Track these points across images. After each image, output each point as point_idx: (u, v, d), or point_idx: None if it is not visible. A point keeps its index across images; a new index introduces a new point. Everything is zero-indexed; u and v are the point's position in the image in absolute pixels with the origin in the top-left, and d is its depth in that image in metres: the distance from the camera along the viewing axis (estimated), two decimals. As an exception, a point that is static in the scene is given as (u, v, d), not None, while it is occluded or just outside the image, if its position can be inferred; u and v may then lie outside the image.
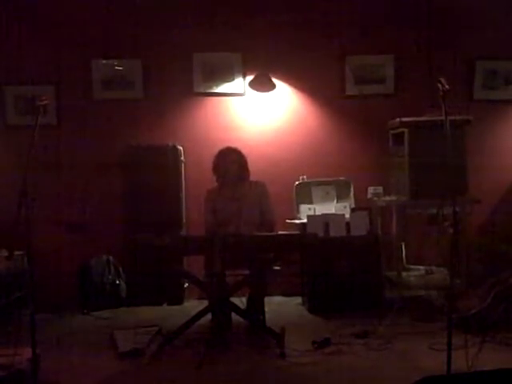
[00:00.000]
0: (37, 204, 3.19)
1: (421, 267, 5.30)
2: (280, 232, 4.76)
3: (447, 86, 3.21)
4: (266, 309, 4.57)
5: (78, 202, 5.72)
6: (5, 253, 4.85)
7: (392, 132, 5.32)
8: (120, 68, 5.82)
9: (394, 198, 5.21)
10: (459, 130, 4.85)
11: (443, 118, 3.18)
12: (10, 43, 5.74)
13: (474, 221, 5.33)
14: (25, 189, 3.19)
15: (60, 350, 4.07)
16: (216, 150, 4.82)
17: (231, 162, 4.69)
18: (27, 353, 3.27)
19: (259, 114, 5.92)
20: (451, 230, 3.23)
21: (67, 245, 5.62)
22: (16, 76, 5.78)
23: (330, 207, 5.61)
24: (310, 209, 5.60)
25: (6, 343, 3.49)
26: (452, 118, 3.24)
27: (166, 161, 5.63)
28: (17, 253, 3.69)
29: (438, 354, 3.61)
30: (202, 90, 5.89)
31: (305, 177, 5.69)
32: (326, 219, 5.17)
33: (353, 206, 5.58)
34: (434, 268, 5.17)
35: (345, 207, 5.60)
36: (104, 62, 5.82)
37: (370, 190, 5.44)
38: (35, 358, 3.21)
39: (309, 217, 5.26)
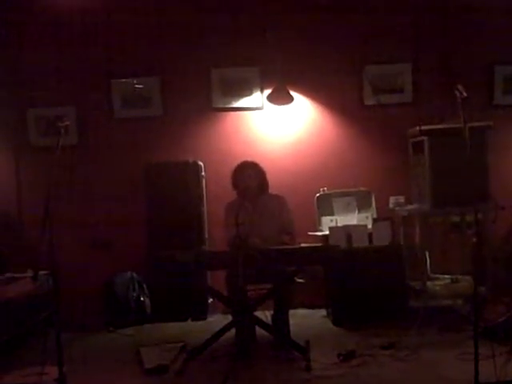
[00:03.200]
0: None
1: (446, 276, 5.24)
2: (302, 245, 4.75)
3: (465, 93, 3.20)
4: (291, 322, 4.56)
5: (101, 220, 5.77)
6: (30, 273, 4.93)
7: (412, 141, 5.29)
8: (140, 86, 5.89)
9: (416, 206, 5.17)
10: (480, 136, 4.80)
11: (462, 125, 3.16)
12: (31, 65, 5.84)
13: (499, 227, 5.25)
14: (48, 209, 3.24)
15: (86, 368, 4.10)
16: (236, 165, 4.85)
17: (249, 176, 4.71)
18: (54, 372, 3.31)
19: (278, 128, 5.94)
20: (475, 238, 3.19)
21: (91, 263, 5.67)
22: (37, 98, 5.87)
23: (352, 218, 5.59)
24: (331, 220, 5.59)
25: (33, 362, 3.53)
26: (472, 124, 3.22)
27: (186, 177, 5.66)
28: (42, 272, 3.73)
29: (465, 363, 3.57)
30: (220, 105, 5.94)
31: (325, 188, 5.68)
32: (348, 230, 5.15)
33: (374, 216, 5.55)
34: (459, 276, 5.11)
35: (367, 218, 5.58)
36: (123, 80, 5.89)
37: (392, 199, 5.41)
38: (62, 376, 3.24)
39: (331, 228, 5.25)
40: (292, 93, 5.77)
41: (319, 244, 5.22)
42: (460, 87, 3.24)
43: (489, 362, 3.21)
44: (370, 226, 5.27)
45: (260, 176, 4.76)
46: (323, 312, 5.45)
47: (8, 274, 5.13)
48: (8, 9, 5.78)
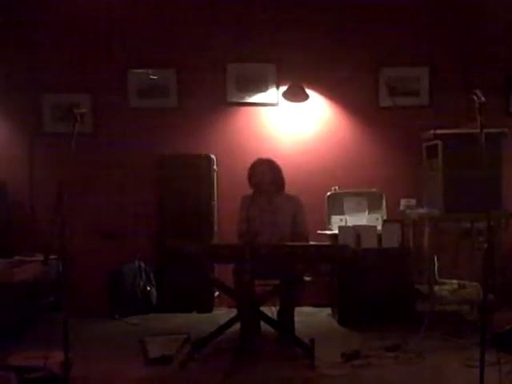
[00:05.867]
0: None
1: (453, 281, 5.23)
2: (311, 243, 4.75)
3: (483, 99, 3.18)
4: (296, 319, 4.57)
5: (112, 208, 5.79)
6: (40, 257, 4.96)
7: (426, 144, 5.28)
8: (155, 77, 5.90)
9: (426, 210, 5.15)
10: (494, 143, 4.79)
11: (478, 130, 3.15)
12: (47, 52, 5.87)
13: (509, 235, 5.22)
14: (61, 195, 3.25)
15: (91, 355, 4.12)
16: (248, 160, 4.86)
17: (262, 173, 4.70)
18: (59, 356, 3.33)
19: (292, 125, 5.93)
20: (485, 244, 3.17)
21: (100, 250, 5.69)
22: (54, 84, 5.90)
23: (362, 219, 5.58)
24: (341, 220, 5.58)
25: (39, 346, 3.55)
26: (487, 130, 3.20)
27: (198, 169, 5.67)
28: (51, 257, 3.75)
29: (470, 370, 3.56)
30: (235, 99, 5.93)
31: (337, 188, 5.67)
32: (357, 231, 5.14)
33: (385, 217, 5.54)
34: (466, 282, 5.10)
35: (377, 219, 5.56)
36: (139, 71, 5.90)
37: (403, 202, 5.39)
38: (67, 361, 3.26)
39: (340, 228, 5.24)
40: (308, 91, 5.77)
41: (328, 243, 5.22)
42: (478, 92, 3.22)
43: (494, 369, 3.20)
44: (379, 228, 5.26)
45: (275, 173, 4.75)
46: (328, 311, 5.45)
47: (17, 257, 5.18)
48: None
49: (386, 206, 5.62)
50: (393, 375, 3.73)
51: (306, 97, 5.77)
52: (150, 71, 5.90)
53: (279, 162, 4.88)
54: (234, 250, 4.19)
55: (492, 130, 4.60)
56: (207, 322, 4.97)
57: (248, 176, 4.79)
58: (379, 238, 5.13)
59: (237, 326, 4.28)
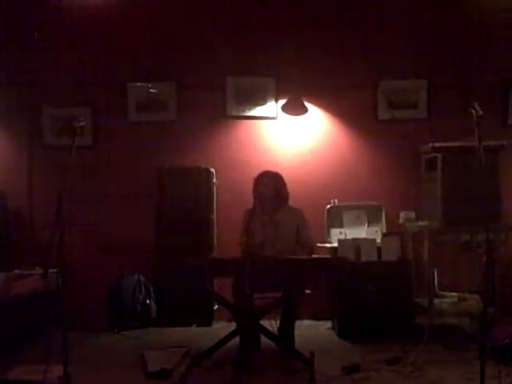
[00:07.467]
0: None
1: (453, 294, 5.22)
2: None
3: (481, 112, 3.19)
4: (296, 332, 4.55)
5: (111, 222, 5.79)
6: (39, 271, 4.95)
7: (425, 157, 5.29)
8: (154, 91, 5.93)
9: (426, 223, 5.15)
10: (493, 156, 4.79)
11: (477, 143, 3.16)
12: (47, 65, 5.89)
13: (509, 248, 5.22)
14: (60, 208, 3.26)
15: (90, 369, 4.10)
16: (248, 173, 4.89)
17: (263, 185, 4.70)
18: (58, 370, 3.31)
19: (291, 138, 5.95)
20: (485, 257, 3.18)
21: (99, 264, 5.68)
22: (53, 97, 5.92)
23: (361, 232, 5.58)
24: (340, 233, 5.58)
25: (38, 360, 3.53)
26: (486, 143, 3.21)
27: (198, 183, 5.68)
28: (51, 271, 3.74)
29: (470, 383, 3.54)
30: (234, 113, 5.96)
31: (336, 201, 5.68)
32: (357, 243, 5.14)
33: (384, 230, 5.55)
34: (466, 295, 5.09)
35: (376, 232, 5.56)
36: (139, 84, 5.93)
37: (402, 214, 5.39)
38: (66, 375, 3.25)
39: (340, 241, 5.24)
40: (307, 104, 5.79)
41: (328, 256, 5.22)
42: (476, 105, 3.23)
43: (494, 382, 3.19)
44: (379, 240, 5.26)
45: (278, 186, 4.74)
46: (328, 324, 5.44)
47: (17, 271, 5.17)
48: (26, 10, 5.84)
49: (386, 219, 5.63)
50: (393, 389, 3.72)
51: (305, 110, 5.79)
52: (150, 85, 5.92)
53: (279, 175, 4.89)
54: (234, 264, 4.18)
55: (490, 143, 4.61)
56: (207, 336, 4.95)
57: (253, 188, 4.78)
58: (379, 250, 5.13)
59: (236, 339, 4.25)
